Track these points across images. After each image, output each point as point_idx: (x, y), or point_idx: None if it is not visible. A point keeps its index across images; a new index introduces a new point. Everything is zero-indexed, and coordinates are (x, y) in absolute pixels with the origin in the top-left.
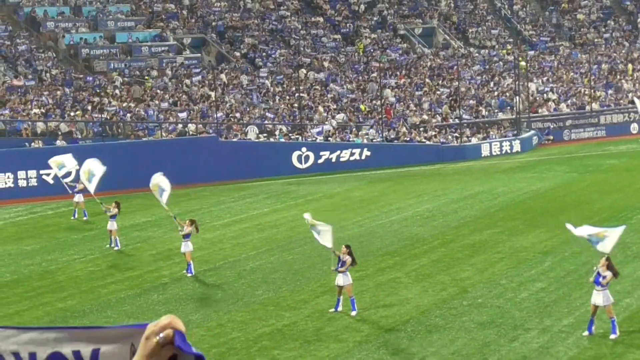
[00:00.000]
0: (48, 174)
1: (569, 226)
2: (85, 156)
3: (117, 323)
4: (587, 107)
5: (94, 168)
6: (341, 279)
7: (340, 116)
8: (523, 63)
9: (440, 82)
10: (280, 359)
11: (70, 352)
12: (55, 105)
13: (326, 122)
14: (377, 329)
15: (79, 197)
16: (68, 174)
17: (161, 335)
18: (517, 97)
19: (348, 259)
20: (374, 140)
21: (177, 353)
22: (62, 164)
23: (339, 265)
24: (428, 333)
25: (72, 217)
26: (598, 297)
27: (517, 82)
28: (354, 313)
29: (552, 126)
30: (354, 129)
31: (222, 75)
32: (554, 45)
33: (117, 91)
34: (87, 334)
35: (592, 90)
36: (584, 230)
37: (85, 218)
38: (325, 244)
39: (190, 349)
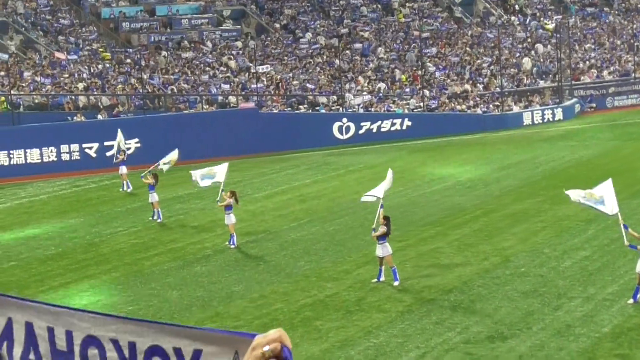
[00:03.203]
0: (91, 148)
1: (568, 192)
2: (126, 129)
3: (161, 295)
4: (631, 74)
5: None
6: (380, 250)
7: (381, 86)
8: (550, 26)
9: (481, 50)
10: (323, 330)
11: (171, 348)
12: (97, 79)
13: (366, 92)
14: (420, 299)
15: (122, 169)
16: (111, 147)
17: (269, 347)
18: (559, 65)
19: (382, 228)
20: (415, 110)
21: None
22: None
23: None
24: (471, 303)
25: (121, 189)
26: None
27: (559, 50)
28: (396, 283)
29: (594, 94)
30: (395, 99)
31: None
32: (597, 11)
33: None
34: (189, 332)
35: (636, 57)
36: (577, 195)
37: (128, 190)
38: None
39: None
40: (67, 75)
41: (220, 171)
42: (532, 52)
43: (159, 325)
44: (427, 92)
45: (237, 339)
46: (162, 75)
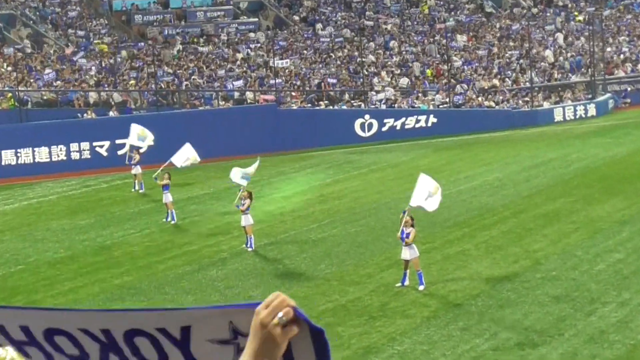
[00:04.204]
0: (102, 146)
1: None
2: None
3: (175, 300)
4: None
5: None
6: (407, 253)
7: (405, 81)
8: (580, 18)
9: (509, 43)
10: (345, 336)
11: (154, 329)
12: (108, 74)
13: (389, 88)
14: (446, 304)
15: (136, 169)
16: (123, 145)
17: (280, 315)
18: (592, 58)
19: (412, 230)
20: (441, 106)
21: (300, 328)
22: (144, 136)
23: (404, 237)
24: (499, 308)
25: (132, 189)
26: None
27: (591, 42)
28: (421, 287)
29: (629, 88)
30: (419, 95)
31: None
32: (631, 3)
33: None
34: (173, 313)
35: None
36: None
37: (141, 190)
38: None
39: (312, 322)
40: (76, 71)
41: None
42: (557, 44)
43: (135, 312)
44: (458, 86)
45: (229, 311)
46: (176, 69)
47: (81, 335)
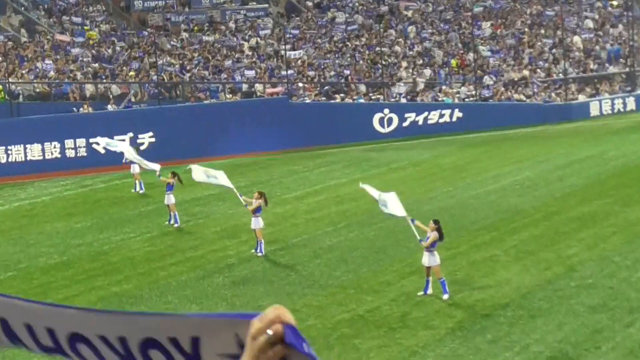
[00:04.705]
0: (99, 143)
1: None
2: (139, 121)
3: (178, 309)
4: None
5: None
6: (427, 259)
7: (428, 72)
8: (615, 2)
9: (541, 31)
10: (362, 349)
11: (166, 339)
12: (106, 65)
13: (411, 79)
14: (472, 314)
15: (134, 167)
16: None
17: (269, 332)
18: (631, 47)
19: (434, 234)
20: (467, 100)
21: (289, 352)
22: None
23: (425, 240)
24: (531, 318)
25: (133, 190)
26: None
27: (630, 30)
28: (445, 296)
29: None
30: (443, 87)
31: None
32: None
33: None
34: (182, 320)
35: None
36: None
37: (141, 191)
38: (396, 213)
39: (304, 347)
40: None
41: (221, 177)
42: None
43: (147, 316)
44: (486, 78)
45: (234, 322)
46: (179, 60)
47: (100, 344)
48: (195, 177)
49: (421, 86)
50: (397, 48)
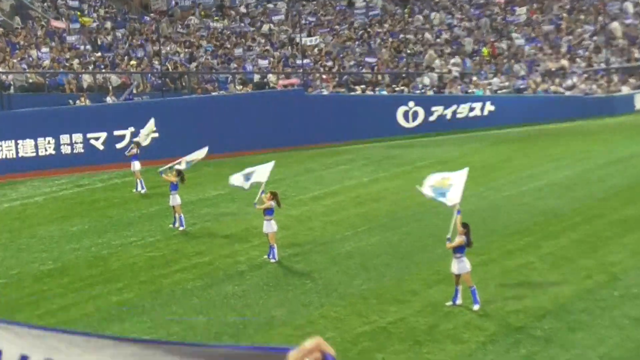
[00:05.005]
0: (97, 138)
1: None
2: (140, 115)
3: (184, 322)
4: None
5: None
6: (456, 266)
7: (456, 61)
8: None
9: (581, 17)
10: None
11: None
12: (105, 53)
13: (438, 69)
14: (506, 327)
15: (135, 165)
16: (122, 137)
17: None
18: None
19: (460, 239)
20: (499, 92)
21: None
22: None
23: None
24: (570, 331)
25: (134, 190)
26: None
27: None
28: (476, 307)
29: None
30: (473, 78)
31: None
32: None
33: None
34: (206, 352)
35: None
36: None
37: (143, 191)
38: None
39: None
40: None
41: (262, 170)
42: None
43: (165, 346)
44: (519, 67)
45: (264, 355)
46: (184, 48)
47: None
48: (234, 182)
49: (451, 76)
50: (426, 35)
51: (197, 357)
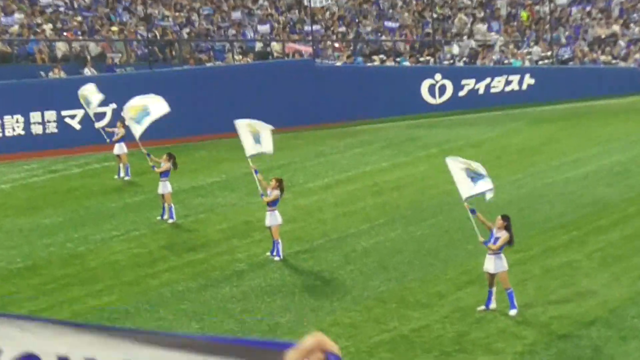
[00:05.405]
0: (73, 116)
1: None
2: (124, 89)
3: (174, 327)
4: None
5: (151, 104)
6: (491, 264)
7: (491, 27)
8: None
9: None
10: None
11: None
12: (84, 15)
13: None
14: (547, 335)
15: (119, 148)
16: (102, 115)
17: None
18: None
19: (504, 234)
20: (540, 63)
21: None
22: (87, 98)
23: (491, 241)
24: (621, 340)
25: (116, 176)
26: None
27: None
28: (512, 312)
29: None
30: (510, 46)
31: None
32: None
33: None
34: (194, 343)
35: None
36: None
37: (127, 177)
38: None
39: None
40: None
41: (265, 136)
42: None
43: (145, 335)
44: (563, 34)
45: (260, 351)
46: (174, 12)
47: None
48: (251, 151)
49: (485, 44)
50: None
51: (180, 348)
